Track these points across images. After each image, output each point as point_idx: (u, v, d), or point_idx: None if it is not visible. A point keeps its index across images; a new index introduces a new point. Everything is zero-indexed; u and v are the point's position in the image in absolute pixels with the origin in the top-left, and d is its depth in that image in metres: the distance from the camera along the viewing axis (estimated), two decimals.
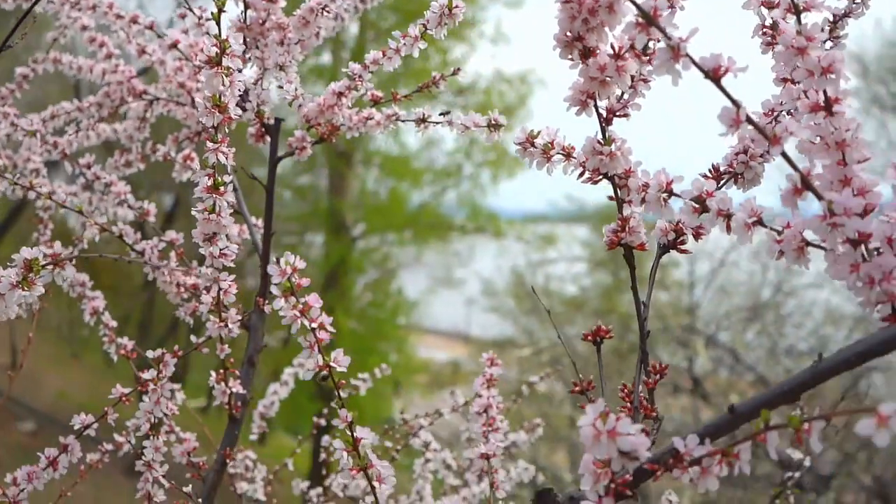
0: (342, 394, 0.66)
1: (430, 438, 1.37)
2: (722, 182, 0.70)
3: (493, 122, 0.84)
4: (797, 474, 1.12)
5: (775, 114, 0.70)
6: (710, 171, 0.70)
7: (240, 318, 0.93)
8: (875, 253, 0.53)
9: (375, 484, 0.66)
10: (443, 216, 11.93)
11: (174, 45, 1.07)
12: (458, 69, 1.02)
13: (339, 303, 10.98)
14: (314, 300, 0.64)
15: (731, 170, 0.69)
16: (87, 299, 1.13)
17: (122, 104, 1.22)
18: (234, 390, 0.99)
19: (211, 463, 1.02)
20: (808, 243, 0.55)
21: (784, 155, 0.52)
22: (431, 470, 1.33)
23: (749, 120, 0.51)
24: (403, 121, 0.99)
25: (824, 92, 0.54)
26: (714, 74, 0.51)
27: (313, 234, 12.09)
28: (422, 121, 0.98)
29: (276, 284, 0.62)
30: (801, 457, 1.15)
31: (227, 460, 1.01)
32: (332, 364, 0.64)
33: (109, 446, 1.15)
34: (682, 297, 7.80)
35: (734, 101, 0.52)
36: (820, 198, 0.52)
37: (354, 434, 0.66)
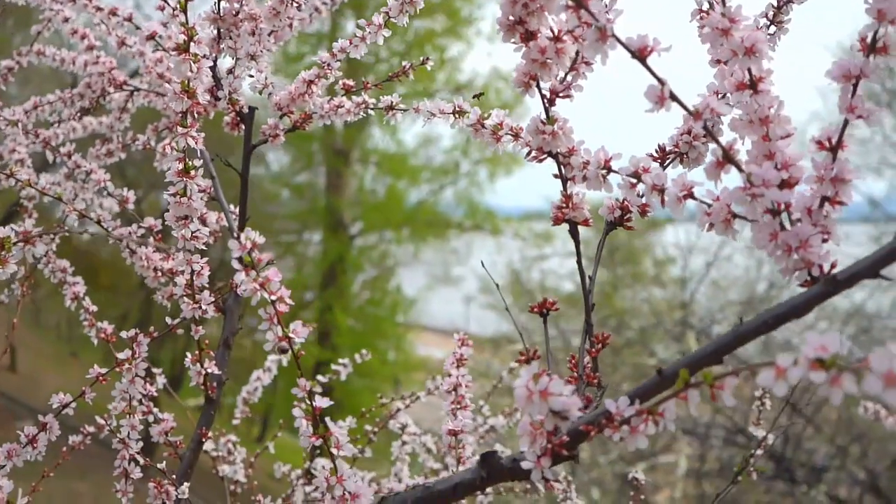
0: (301, 367, 0.69)
1: (408, 421, 1.40)
2: (668, 161, 0.73)
3: (457, 109, 0.87)
4: (758, 451, 1.15)
5: (719, 95, 0.73)
6: (655, 150, 0.73)
7: (213, 299, 0.96)
8: (797, 223, 0.56)
9: (334, 451, 0.69)
10: (440, 214, 11.96)
11: (151, 37, 1.10)
12: (427, 58, 1.05)
13: (337, 301, 11.01)
14: (274, 274, 0.66)
15: (676, 149, 0.72)
16: (68, 285, 1.16)
17: (103, 95, 1.25)
18: (209, 371, 1.02)
19: (188, 443, 1.05)
20: (735, 215, 0.58)
21: (707, 130, 0.55)
22: (408, 452, 1.36)
23: (673, 97, 0.54)
24: (373, 108, 1.02)
25: (749, 71, 0.57)
26: (640, 54, 0.54)
27: (311, 232, 12.12)
28: (390, 108, 1.01)
29: (236, 259, 0.65)
30: (762, 434, 1.17)
31: (203, 439, 1.04)
32: (290, 335, 0.67)
33: (91, 428, 1.18)
34: (678, 293, 7.84)
35: (659, 80, 0.55)
36: (741, 170, 0.55)
37: (314, 403, 0.69)
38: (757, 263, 7.73)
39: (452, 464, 1.40)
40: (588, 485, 5.41)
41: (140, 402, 1.00)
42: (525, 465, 0.59)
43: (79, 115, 1.24)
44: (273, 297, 0.66)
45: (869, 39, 0.55)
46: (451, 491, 0.62)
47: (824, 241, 0.55)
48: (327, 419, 0.70)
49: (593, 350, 0.67)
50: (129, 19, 1.16)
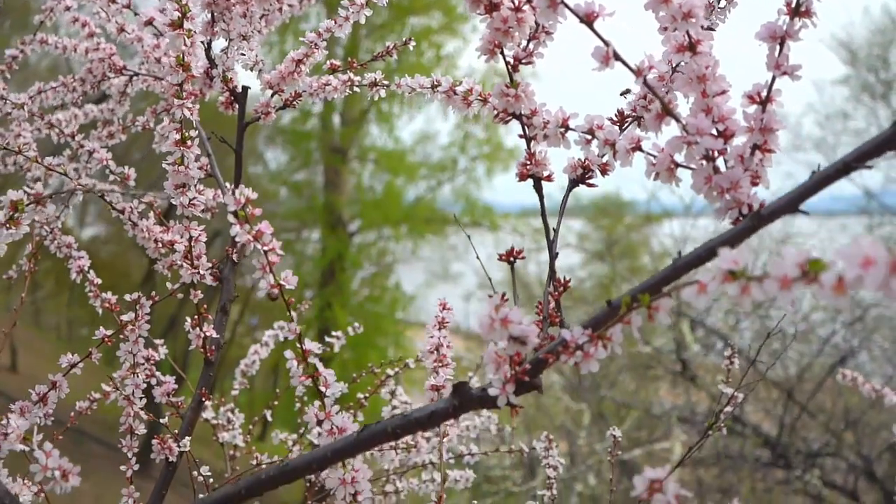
0: (292, 313, 0.76)
1: (398, 388, 1.46)
2: (626, 124, 0.79)
3: (435, 83, 0.94)
4: (729, 408, 1.22)
5: (673, 64, 0.79)
6: (615, 114, 0.80)
7: (210, 265, 1.02)
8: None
9: (322, 389, 0.75)
10: (438, 210, 12.02)
11: (149, 22, 1.16)
12: (410, 39, 1.11)
13: (336, 298, 11.07)
14: (266, 227, 0.73)
15: (633, 113, 0.79)
16: (74, 259, 1.23)
17: (103, 80, 1.31)
18: (207, 335, 1.09)
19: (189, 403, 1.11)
20: (677, 164, 0.65)
21: (647, 85, 0.62)
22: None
23: (616, 56, 0.61)
24: (359, 85, 1.09)
25: (687, 34, 0.64)
26: (588, 19, 0.61)
27: (310, 230, 12.17)
28: (374, 84, 1.07)
29: (231, 213, 0.71)
30: (731, 391, 1.24)
31: (203, 399, 1.10)
32: (282, 283, 0.74)
33: (97, 395, 1.24)
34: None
35: (605, 41, 0.61)
36: (678, 121, 0.62)
37: (304, 346, 0.76)
38: (753, 255, 7.79)
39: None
40: (585, 472, 5.49)
41: (144, 361, 1.06)
42: (492, 391, 0.65)
43: (80, 99, 1.31)
44: (266, 248, 0.73)
45: (794, 4, 0.62)
46: (427, 419, 0.69)
47: (754, 184, 0.62)
48: (317, 362, 0.76)
49: (556, 293, 0.74)
50: (128, 6, 1.22)
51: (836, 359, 6.37)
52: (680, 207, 8.83)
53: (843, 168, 0.55)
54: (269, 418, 1.52)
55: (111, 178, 1.23)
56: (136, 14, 1.20)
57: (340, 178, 11.78)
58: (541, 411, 7.42)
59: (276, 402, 1.58)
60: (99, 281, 1.23)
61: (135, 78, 1.32)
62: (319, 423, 0.74)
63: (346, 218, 11.94)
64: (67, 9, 1.31)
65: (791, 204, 0.57)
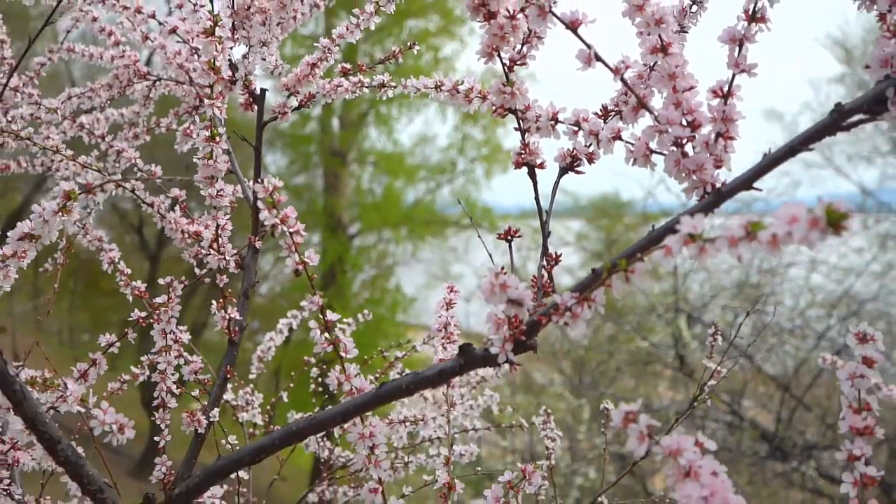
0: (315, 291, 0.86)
1: (406, 371, 1.56)
2: (610, 117, 0.89)
3: (438, 82, 1.03)
4: (712, 382, 1.31)
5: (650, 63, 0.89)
6: (600, 109, 0.89)
7: (235, 252, 1.12)
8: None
9: (343, 354, 0.85)
10: (437, 212, 12.12)
11: (173, 31, 1.26)
12: (414, 43, 1.21)
13: (337, 300, 11.15)
14: (291, 212, 0.83)
15: (616, 108, 0.89)
16: (105, 251, 1.32)
17: (129, 85, 1.41)
18: (232, 317, 1.18)
19: (214, 380, 1.21)
20: (652, 150, 0.75)
21: (623, 82, 0.72)
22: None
23: (597, 57, 0.71)
24: (368, 87, 1.18)
25: (660, 37, 0.74)
26: (573, 25, 0.71)
27: (310, 233, 12.25)
28: (382, 85, 1.17)
29: (260, 199, 0.81)
30: (713, 366, 1.33)
31: (228, 376, 1.20)
32: (305, 260, 0.84)
33: (127, 376, 1.34)
34: (673, 284, 8.02)
35: (587, 45, 0.71)
36: (652, 113, 0.72)
37: (326, 317, 0.85)
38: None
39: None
40: (585, 465, 5.58)
41: (174, 342, 1.16)
42: (493, 350, 0.75)
43: (108, 103, 1.41)
44: (291, 230, 0.83)
45: (751, 11, 0.72)
46: (437, 376, 0.78)
47: (717, 166, 0.72)
48: (337, 331, 0.86)
49: (548, 266, 0.84)
50: (153, 16, 1.32)
51: (831, 353, 6.47)
52: (677, 206, 8.94)
53: (790, 151, 0.65)
54: (286, 398, 1.61)
55: (138, 174, 1.33)
56: (160, 24, 1.30)
57: (340, 181, 11.86)
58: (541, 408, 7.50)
59: (291, 385, 1.67)
60: (129, 271, 1.33)
61: (158, 83, 1.42)
62: (340, 384, 0.84)
63: (345, 221, 12.03)
64: (95, 19, 1.41)
65: (746, 182, 0.67)
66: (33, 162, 1.61)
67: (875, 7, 0.67)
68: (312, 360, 1.55)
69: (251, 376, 1.63)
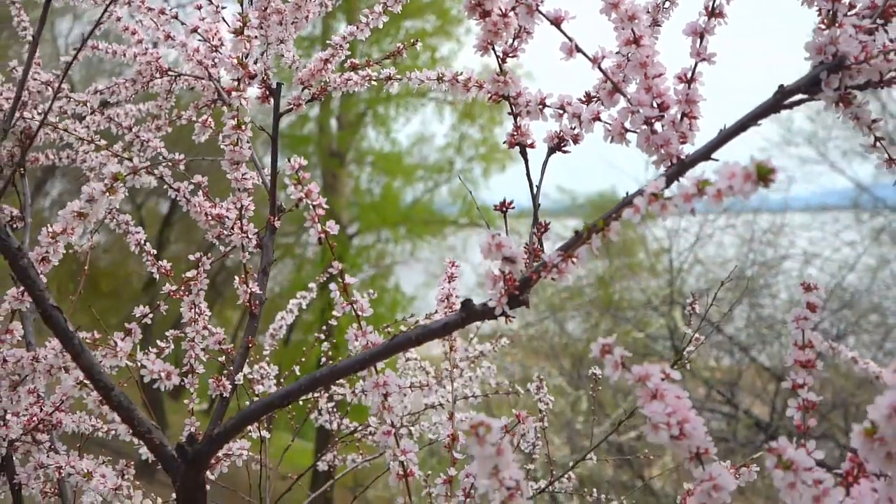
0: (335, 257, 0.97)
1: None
2: (593, 102, 1.01)
3: (440, 75, 1.15)
4: (691, 347, 1.43)
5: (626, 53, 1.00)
6: (584, 95, 1.01)
7: (257, 231, 1.24)
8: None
9: (359, 312, 0.97)
10: (436, 212, 12.23)
11: (195, 30, 1.38)
12: (416, 40, 1.33)
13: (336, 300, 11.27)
14: (314, 187, 0.94)
15: (596, 94, 1.00)
16: (131, 234, 1.44)
17: (151, 80, 1.53)
18: (253, 291, 1.30)
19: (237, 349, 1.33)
20: (626, 129, 0.86)
21: (601, 70, 0.83)
22: (412, 368, 1.64)
23: (578, 49, 0.82)
24: (375, 80, 1.30)
25: (632, 31, 0.85)
26: (556, 21, 0.82)
27: (309, 233, 12.38)
28: (388, 79, 1.29)
29: (287, 175, 0.93)
30: (690, 332, 1.45)
31: (250, 345, 1.31)
32: (327, 229, 0.95)
33: (153, 350, 1.45)
34: (670, 278, 8.15)
35: (569, 38, 0.83)
36: (624, 95, 0.83)
37: (345, 280, 0.97)
38: (740, 242, 8.04)
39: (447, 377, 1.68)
40: (582, 453, 5.71)
41: (199, 315, 1.27)
42: (490, 303, 0.86)
43: (132, 97, 1.52)
44: (314, 203, 0.94)
45: (710, 8, 0.83)
46: (442, 328, 0.90)
47: (682, 142, 0.83)
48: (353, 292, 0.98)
49: (538, 233, 0.95)
50: (175, 17, 1.43)
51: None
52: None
53: (741, 126, 0.77)
54: (298, 373, 1.73)
55: (163, 163, 1.44)
56: (182, 24, 1.42)
57: (338, 182, 11.97)
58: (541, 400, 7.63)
59: (303, 360, 1.79)
60: (154, 252, 1.44)
61: (178, 78, 1.54)
62: (356, 338, 0.96)
63: (344, 221, 12.13)
64: (119, 19, 1.52)
65: (704, 154, 0.79)
66: (59, 154, 1.72)
67: (815, 3, 0.78)
68: (322, 336, 1.66)
69: (265, 352, 1.75)
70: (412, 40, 1.33)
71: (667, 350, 6.50)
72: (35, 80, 1.60)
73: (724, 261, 7.87)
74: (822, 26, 0.77)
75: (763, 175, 0.59)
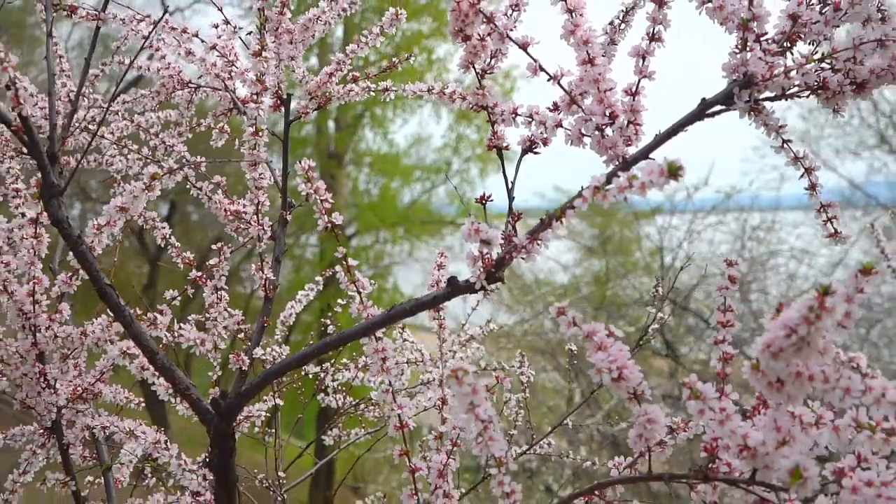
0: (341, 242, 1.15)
1: (406, 330, 1.85)
2: (558, 111, 1.18)
3: (430, 88, 1.33)
4: (654, 326, 1.60)
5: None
6: (552, 104, 1.19)
7: (271, 223, 1.41)
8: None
9: (361, 290, 1.14)
10: (433, 212, 12.39)
11: (213, 47, 1.56)
12: (411, 54, 1.51)
13: (335, 301, 11.44)
14: (322, 184, 1.12)
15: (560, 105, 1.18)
16: (157, 229, 1.61)
17: (173, 91, 1.70)
18: (268, 277, 1.47)
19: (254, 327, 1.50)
20: (583, 134, 1.04)
21: (560, 86, 1.01)
22: (409, 349, 1.82)
23: (541, 68, 1.00)
24: (374, 91, 1.48)
25: (587, 53, 1.03)
26: (523, 46, 1.00)
27: (308, 234, 12.56)
28: (386, 90, 1.47)
29: (298, 175, 1.10)
30: (663, 316, 1.62)
31: (265, 324, 1.49)
32: (333, 220, 1.13)
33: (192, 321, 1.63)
34: (661, 274, 8.34)
35: (534, 59, 1.00)
36: (579, 107, 1.01)
37: (348, 262, 1.15)
38: (732, 238, 8.23)
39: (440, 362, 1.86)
40: (577, 445, 5.88)
41: (218, 300, 1.45)
42: (471, 279, 1.04)
43: (157, 106, 1.70)
44: (322, 198, 1.12)
45: (651, 34, 1.01)
46: (431, 301, 1.08)
47: (628, 144, 1.01)
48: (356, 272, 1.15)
49: (513, 220, 1.13)
50: (196, 35, 1.61)
51: (864, 326, 6.81)
52: (665, 203, 9.26)
53: (671, 132, 0.95)
54: None
55: (187, 165, 1.62)
56: (202, 42, 1.59)
57: (336, 183, 12.13)
58: (533, 397, 7.82)
59: (311, 343, 1.95)
60: (178, 244, 1.62)
61: (198, 90, 1.71)
62: (359, 311, 1.14)
63: (343, 222, 12.26)
64: (145, 38, 1.69)
65: (642, 155, 0.96)
66: (87, 157, 1.90)
67: (725, 29, 0.96)
68: (329, 321, 1.84)
69: (276, 336, 1.92)
70: (406, 55, 1.51)
71: (658, 343, 6.68)
72: (64, 87, 1.78)
73: (715, 257, 8.06)
74: (736, 50, 0.95)
75: (673, 171, 0.77)
